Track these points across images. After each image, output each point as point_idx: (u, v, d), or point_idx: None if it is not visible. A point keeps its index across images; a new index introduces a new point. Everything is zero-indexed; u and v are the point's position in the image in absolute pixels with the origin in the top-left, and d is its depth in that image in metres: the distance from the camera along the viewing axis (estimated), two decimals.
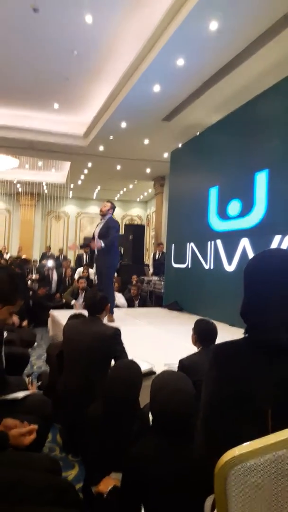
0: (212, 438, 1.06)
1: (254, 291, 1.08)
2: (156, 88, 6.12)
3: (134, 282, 8.06)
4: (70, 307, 6.44)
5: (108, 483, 1.49)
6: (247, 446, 0.79)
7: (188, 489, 1.26)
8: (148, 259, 14.67)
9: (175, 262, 7.12)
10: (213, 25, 4.45)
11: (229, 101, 6.19)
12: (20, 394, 1.73)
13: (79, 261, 11.78)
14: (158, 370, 2.42)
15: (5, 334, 3.22)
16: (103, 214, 5.23)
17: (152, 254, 10.76)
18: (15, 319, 3.74)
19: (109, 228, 5.03)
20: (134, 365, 1.82)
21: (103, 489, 1.47)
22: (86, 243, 5.30)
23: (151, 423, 1.61)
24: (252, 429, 0.94)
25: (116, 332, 2.34)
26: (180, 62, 5.30)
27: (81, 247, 7.63)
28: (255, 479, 0.78)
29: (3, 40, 5.56)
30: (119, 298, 6.64)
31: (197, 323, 2.50)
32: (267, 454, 0.79)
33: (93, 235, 5.19)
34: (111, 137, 8.49)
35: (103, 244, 4.88)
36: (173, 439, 1.33)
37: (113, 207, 5.32)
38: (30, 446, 1.42)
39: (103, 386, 1.90)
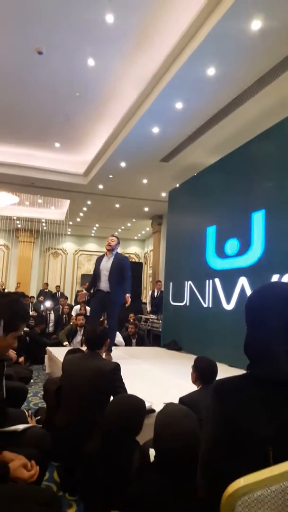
0: (213, 480, 1.03)
1: (256, 323, 1.08)
2: (155, 130, 6.40)
3: (131, 320, 8.00)
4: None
5: None
6: (252, 477, 0.79)
7: None
8: (146, 297, 14.64)
9: (173, 301, 7.11)
10: (211, 71, 4.74)
11: (226, 143, 6.47)
12: (20, 427, 1.70)
13: (77, 298, 11.75)
14: (157, 408, 2.37)
15: None
16: (111, 249, 5.09)
17: (150, 292, 10.75)
18: (13, 354, 3.67)
19: (123, 266, 4.95)
20: (135, 399, 1.80)
21: None
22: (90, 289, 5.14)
23: (151, 459, 1.57)
24: (253, 469, 0.92)
25: (116, 367, 2.32)
26: (179, 105, 5.59)
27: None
28: (263, 511, 0.78)
29: (8, 81, 5.86)
30: (117, 336, 6.56)
31: (197, 361, 2.48)
32: (274, 485, 0.79)
33: (98, 270, 4.99)
34: (111, 176, 8.75)
35: (129, 297, 4.85)
36: (175, 479, 1.30)
37: (119, 242, 5.24)
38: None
39: (101, 422, 1.87)
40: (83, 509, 1.94)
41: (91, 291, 5.13)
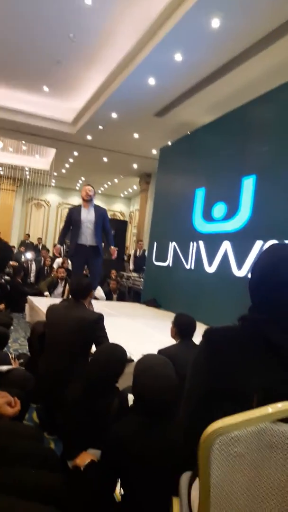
0: (196, 426, 1.08)
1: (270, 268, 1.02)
2: (151, 81, 6.13)
3: (113, 276, 8.08)
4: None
5: (85, 458, 1.53)
6: (231, 419, 0.84)
7: (165, 466, 1.31)
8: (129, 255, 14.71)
9: (156, 260, 7.18)
10: (215, 23, 4.50)
11: (223, 103, 6.28)
12: (4, 368, 1.75)
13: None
14: (136, 359, 2.47)
15: None
16: (90, 200, 4.75)
17: (133, 251, 10.80)
18: None
19: (105, 218, 4.74)
20: (118, 347, 1.87)
21: (80, 463, 1.51)
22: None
23: (130, 404, 1.66)
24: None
25: (100, 317, 2.38)
26: (178, 57, 5.33)
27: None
28: (238, 449, 0.84)
29: None
30: (98, 290, 6.64)
31: (178, 317, 2.57)
32: (250, 426, 0.85)
33: (79, 223, 4.63)
34: (101, 127, 8.45)
35: (116, 250, 4.76)
36: (153, 419, 1.38)
37: (95, 193, 4.99)
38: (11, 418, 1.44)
39: (83, 367, 1.94)
40: (61, 447, 2.06)
41: (64, 245, 4.93)
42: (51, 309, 2.45)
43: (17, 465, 1.14)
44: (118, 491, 1.49)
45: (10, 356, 2.04)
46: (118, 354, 1.83)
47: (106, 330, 2.49)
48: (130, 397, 1.71)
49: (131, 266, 10.10)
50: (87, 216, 4.65)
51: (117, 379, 1.80)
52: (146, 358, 1.52)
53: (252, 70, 5.46)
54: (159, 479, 1.32)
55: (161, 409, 1.38)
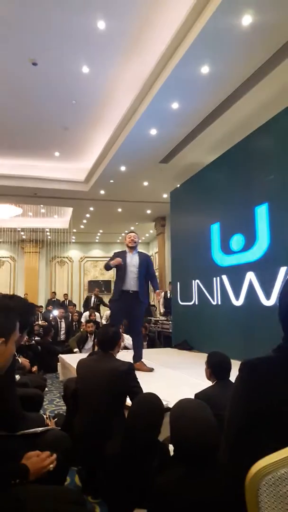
0: (237, 458, 1.04)
1: None
2: (153, 131, 6.44)
3: None
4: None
5: None
6: (275, 455, 0.79)
7: None
8: (153, 300, 14.63)
9: (182, 300, 7.11)
10: (205, 69, 4.77)
11: (225, 140, 6.48)
12: (39, 429, 1.71)
13: (86, 304, 11.82)
14: None
15: (18, 377, 3.20)
16: (134, 246, 4.66)
17: (162, 293, 10.73)
18: (26, 363, 3.70)
19: (149, 264, 4.66)
20: (154, 396, 1.81)
21: None
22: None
23: (171, 454, 1.58)
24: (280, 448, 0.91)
25: (130, 367, 2.32)
26: (175, 105, 5.62)
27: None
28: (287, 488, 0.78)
29: (4, 93, 5.94)
30: (127, 339, 6.56)
31: (210, 356, 2.48)
32: None
33: (124, 266, 4.47)
34: (111, 181, 8.80)
35: (161, 293, 4.69)
36: (196, 469, 1.31)
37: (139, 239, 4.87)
38: (52, 481, 1.39)
39: (120, 423, 1.88)
40: (106, 511, 1.95)
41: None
42: (80, 364, 2.43)
43: None
44: None
45: (45, 417, 2.00)
46: (155, 404, 1.77)
47: (140, 379, 2.43)
48: (171, 447, 1.62)
49: (162, 310, 10.01)
50: (132, 261, 4.55)
51: (157, 431, 1.72)
52: (180, 403, 1.47)
53: (247, 105, 5.67)
54: None
55: (202, 454, 1.31)
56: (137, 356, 4.49)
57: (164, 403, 2.58)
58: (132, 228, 14.42)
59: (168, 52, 4.78)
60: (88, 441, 2.06)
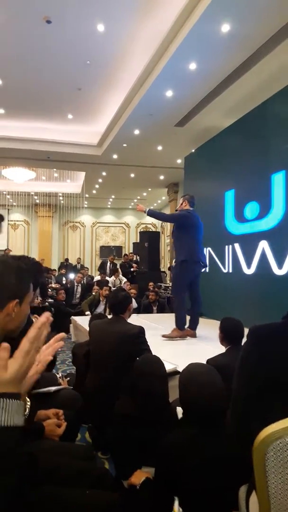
0: (245, 424, 1.06)
1: None
2: (169, 93, 6.19)
3: (151, 288, 8.07)
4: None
5: (140, 476, 1.51)
6: (285, 422, 0.80)
7: (222, 478, 1.27)
8: (164, 266, 14.68)
9: None
10: (225, 28, 4.50)
11: (242, 104, 6.22)
12: (52, 388, 1.78)
13: (102, 268, 11.98)
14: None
15: None
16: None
17: (169, 260, 10.78)
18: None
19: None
20: (158, 360, 1.85)
21: (135, 481, 1.49)
22: None
23: (180, 416, 1.63)
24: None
25: (141, 331, 2.37)
26: (192, 66, 5.36)
27: None
28: None
29: (16, 53, 5.75)
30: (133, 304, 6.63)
31: (223, 321, 2.50)
32: None
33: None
34: (125, 145, 8.61)
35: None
36: (204, 430, 1.34)
37: (187, 200, 4.43)
38: (63, 439, 1.46)
39: (128, 383, 1.93)
40: (114, 467, 2.05)
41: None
42: (93, 326, 2.48)
43: (69, 485, 1.14)
44: (177, 509, 1.45)
45: (58, 376, 2.07)
46: (156, 365, 1.80)
47: (150, 344, 2.48)
48: (179, 410, 1.67)
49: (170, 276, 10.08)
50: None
51: (162, 390, 1.77)
52: (189, 368, 1.49)
53: (267, 68, 5.38)
54: (216, 493, 1.27)
55: (211, 418, 1.34)
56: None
57: (172, 366, 2.66)
58: (144, 194, 14.28)
59: (187, 8, 4.49)
60: (98, 400, 2.14)
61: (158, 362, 1.83)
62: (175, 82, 5.87)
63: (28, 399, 0.76)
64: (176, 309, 4.30)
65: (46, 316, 0.85)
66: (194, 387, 1.37)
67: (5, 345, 0.77)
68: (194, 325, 4.38)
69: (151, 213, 4.41)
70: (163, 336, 4.05)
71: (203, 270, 4.44)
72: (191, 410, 1.39)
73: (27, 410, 0.76)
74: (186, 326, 4.27)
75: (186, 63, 5.31)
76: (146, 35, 5.27)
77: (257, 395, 1.01)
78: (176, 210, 4.54)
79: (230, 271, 5.88)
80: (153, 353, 2.49)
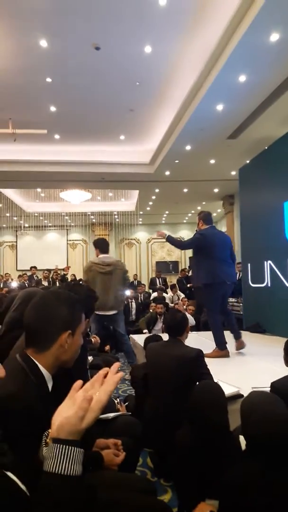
0: None
1: None
2: (219, 107, 6.14)
3: None
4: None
5: (204, 509, 1.43)
6: None
7: None
8: None
9: (253, 282, 6.85)
10: (274, 37, 4.40)
11: None
12: (111, 415, 1.77)
13: (152, 285, 11.99)
14: (246, 394, 2.30)
15: (90, 358, 3.35)
16: None
17: None
18: (95, 339, 3.87)
19: None
20: (216, 388, 1.76)
21: None
22: None
23: (243, 447, 1.53)
24: None
25: (199, 354, 2.29)
26: (242, 78, 5.28)
27: None
28: None
29: (68, 81, 6.06)
30: (192, 321, 6.50)
31: None
32: None
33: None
34: (177, 161, 8.65)
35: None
36: (267, 465, 1.24)
37: (202, 219, 4.27)
38: (123, 467, 1.43)
39: (189, 409, 1.86)
40: (177, 497, 1.97)
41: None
42: (150, 349, 2.45)
43: None
44: None
45: (116, 401, 2.06)
46: (215, 393, 1.72)
47: (211, 363, 2.40)
48: (242, 440, 1.57)
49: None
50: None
51: (220, 421, 1.68)
52: (251, 397, 1.40)
53: None
54: None
55: (277, 453, 1.23)
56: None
57: (234, 390, 2.54)
58: (198, 208, 14.17)
59: (235, 20, 4.47)
60: (158, 426, 2.09)
61: (216, 390, 1.75)
62: (225, 95, 5.81)
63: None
64: (213, 331, 4.14)
65: (116, 366, 0.84)
66: (255, 419, 1.28)
67: (89, 397, 0.75)
68: (237, 334, 4.24)
69: (170, 240, 4.24)
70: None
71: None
72: (254, 444, 1.30)
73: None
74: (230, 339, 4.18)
75: (236, 76, 5.25)
76: (193, 51, 5.30)
77: None
78: (196, 231, 4.37)
79: None
80: (215, 373, 2.41)
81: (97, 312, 4.36)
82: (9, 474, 0.73)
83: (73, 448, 0.70)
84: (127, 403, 2.26)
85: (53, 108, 7.00)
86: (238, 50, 4.67)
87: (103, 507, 1.16)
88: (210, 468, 1.60)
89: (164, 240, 4.22)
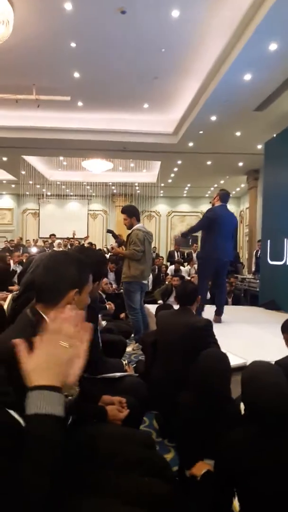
0: None
1: None
2: (247, 77, 5.91)
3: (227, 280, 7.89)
4: None
5: (202, 468, 1.52)
6: None
7: (282, 479, 1.22)
8: (242, 257, 14.22)
9: (272, 259, 6.79)
10: None
11: None
12: (117, 374, 1.86)
13: (170, 258, 12.03)
14: None
15: (104, 323, 3.46)
16: None
17: (254, 251, 10.43)
18: (111, 306, 3.99)
19: None
20: (221, 356, 1.81)
21: (196, 472, 1.51)
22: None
23: (242, 413, 1.59)
24: None
25: (208, 324, 2.35)
26: (273, 46, 5.03)
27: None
28: None
29: (92, 46, 5.91)
30: None
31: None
32: None
33: None
34: (201, 132, 8.44)
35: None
36: (266, 431, 1.30)
37: (219, 196, 4.60)
38: (127, 425, 1.52)
39: (193, 375, 1.93)
40: (178, 456, 2.07)
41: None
42: (160, 316, 2.52)
43: (125, 471, 1.19)
44: (237, 504, 1.43)
45: (124, 363, 2.16)
46: (220, 360, 1.77)
47: (221, 336, 2.45)
48: (243, 407, 1.63)
49: (253, 268, 9.77)
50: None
51: (221, 388, 1.74)
52: (252, 366, 1.44)
53: None
54: (277, 493, 1.22)
55: (271, 419, 1.28)
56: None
57: (241, 361, 2.59)
58: (221, 182, 13.90)
59: None
60: (163, 389, 2.18)
61: (220, 359, 1.80)
62: (254, 65, 5.57)
63: (77, 385, 0.79)
64: None
65: (69, 311, 0.85)
66: (255, 387, 1.33)
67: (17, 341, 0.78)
68: (219, 311, 4.57)
69: (184, 234, 4.78)
70: None
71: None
72: (251, 410, 1.35)
73: (75, 394, 0.79)
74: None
75: (266, 44, 5.01)
76: (222, 18, 5.06)
77: None
78: (211, 203, 4.79)
79: None
80: (225, 345, 2.46)
81: (142, 281, 4.56)
82: (11, 412, 0.80)
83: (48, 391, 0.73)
84: (134, 365, 2.35)
85: (76, 75, 6.89)
86: (270, 16, 4.43)
87: (102, 456, 1.25)
88: (210, 431, 1.68)
89: (182, 231, 4.82)
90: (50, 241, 12.17)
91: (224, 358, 1.82)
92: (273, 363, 2.14)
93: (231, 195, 16.72)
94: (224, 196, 4.59)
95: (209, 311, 4.51)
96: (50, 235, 12.32)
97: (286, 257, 6.25)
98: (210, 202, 4.77)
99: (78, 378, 0.80)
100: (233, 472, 1.31)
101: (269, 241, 6.96)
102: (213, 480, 1.44)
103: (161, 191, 15.49)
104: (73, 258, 1.20)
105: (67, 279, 1.14)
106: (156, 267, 9.81)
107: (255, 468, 1.25)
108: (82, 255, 1.26)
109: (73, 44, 5.87)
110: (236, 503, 1.48)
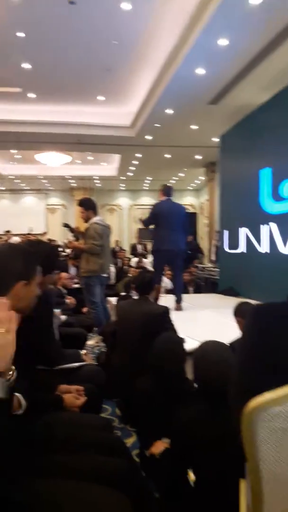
0: (244, 398, 1.08)
1: None
2: (200, 71, 6.02)
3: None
4: None
5: (160, 446, 1.60)
6: (272, 394, 0.84)
7: (231, 450, 1.32)
8: (202, 247, 14.53)
9: (229, 248, 7.03)
10: (255, 0, 4.28)
11: (279, 78, 5.92)
12: (76, 364, 1.90)
13: (133, 250, 12.11)
14: None
15: (64, 317, 3.47)
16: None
17: (214, 242, 10.69)
18: (71, 300, 4.00)
19: None
20: (176, 339, 1.90)
21: (155, 451, 1.59)
22: None
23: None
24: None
25: (166, 310, 2.44)
26: (223, 42, 5.16)
27: None
28: (281, 424, 0.83)
29: (43, 37, 5.76)
30: (167, 284, 6.66)
31: (239, 307, 2.48)
32: None
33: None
34: (158, 125, 8.50)
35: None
36: (214, 404, 1.39)
37: (162, 191, 4.97)
38: (87, 411, 1.57)
39: (149, 359, 2.01)
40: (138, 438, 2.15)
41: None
42: (119, 306, 2.58)
43: (83, 453, 1.24)
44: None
45: (83, 353, 2.20)
46: (176, 342, 1.86)
47: (182, 322, 2.55)
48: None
49: (213, 257, 10.03)
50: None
51: (174, 369, 1.83)
52: (203, 345, 1.53)
53: None
54: (227, 463, 1.32)
55: (219, 395, 1.38)
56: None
57: (197, 343, 2.71)
58: (181, 175, 14.10)
59: None
60: (123, 376, 2.25)
61: (174, 341, 1.89)
62: (205, 59, 5.68)
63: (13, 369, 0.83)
64: None
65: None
66: (204, 364, 1.42)
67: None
68: (178, 299, 4.80)
69: (144, 223, 5.02)
70: None
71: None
72: (201, 387, 1.44)
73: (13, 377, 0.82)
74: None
75: (217, 39, 5.11)
76: (174, 12, 5.11)
77: (255, 370, 1.03)
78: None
79: (267, 251, 5.76)
80: (185, 330, 2.56)
81: (102, 275, 4.60)
82: None
83: None
84: (96, 356, 2.41)
85: (27, 66, 6.70)
86: (219, 12, 4.51)
87: (61, 442, 1.29)
88: (166, 411, 1.77)
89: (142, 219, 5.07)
90: (6, 238, 11.84)
91: (176, 340, 1.91)
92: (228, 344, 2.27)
93: (191, 188, 16.93)
94: (166, 190, 4.89)
95: (170, 300, 4.62)
96: (6, 232, 11.96)
97: (243, 246, 6.50)
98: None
99: (11, 361, 0.83)
100: (188, 446, 1.40)
101: (226, 231, 7.19)
102: (170, 456, 1.52)
103: (122, 184, 15.48)
104: (18, 250, 1.22)
105: (13, 271, 1.16)
106: (119, 260, 9.86)
107: (206, 442, 1.35)
108: (32, 248, 1.28)
109: (21, 34, 5.70)
110: (191, 474, 1.58)
